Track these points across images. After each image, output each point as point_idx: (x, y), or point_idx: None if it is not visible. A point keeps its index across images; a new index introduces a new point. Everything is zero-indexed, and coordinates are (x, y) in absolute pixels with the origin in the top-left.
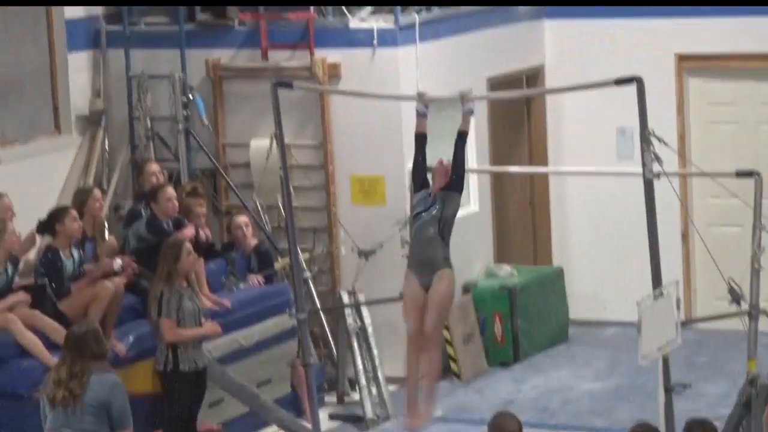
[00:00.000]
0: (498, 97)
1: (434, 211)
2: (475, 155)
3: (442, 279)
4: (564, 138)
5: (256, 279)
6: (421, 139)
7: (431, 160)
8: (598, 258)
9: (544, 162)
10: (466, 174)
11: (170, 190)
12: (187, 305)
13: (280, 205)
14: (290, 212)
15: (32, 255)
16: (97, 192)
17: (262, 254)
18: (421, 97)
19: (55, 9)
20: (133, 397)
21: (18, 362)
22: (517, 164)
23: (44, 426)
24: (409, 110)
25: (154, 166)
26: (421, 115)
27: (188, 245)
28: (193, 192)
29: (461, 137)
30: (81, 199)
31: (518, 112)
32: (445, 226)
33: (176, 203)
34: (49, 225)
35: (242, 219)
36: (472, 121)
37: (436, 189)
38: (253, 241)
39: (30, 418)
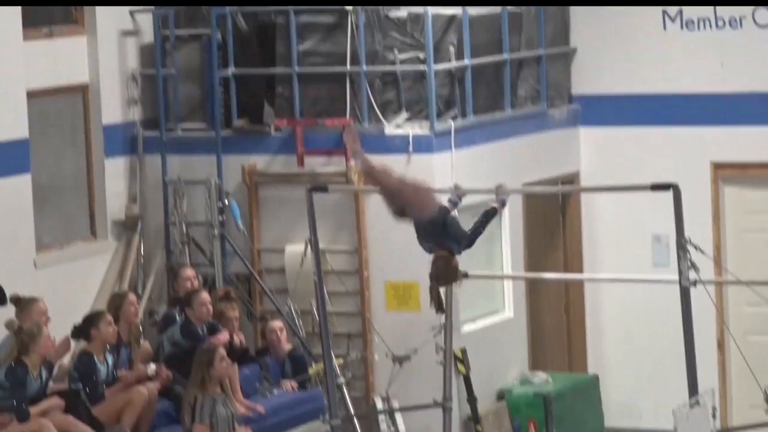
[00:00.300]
0: (533, 191)
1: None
2: (510, 261)
3: None
4: (599, 245)
5: (289, 384)
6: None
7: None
8: (633, 365)
9: (579, 269)
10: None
11: (205, 295)
12: (221, 411)
13: (315, 310)
14: (324, 317)
15: (67, 360)
16: (132, 297)
17: (297, 360)
18: (457, 188)
19: (93, 115)
20: None
21: None
22: (552, 271)
23: None
24: None
25: (189, 272)
26: (452, 203)
27: (222, 351)
28: (225, 297)
29: (488, 214)
30: (116, 304)
31: (553, 219)
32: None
33: (210, 308)
34: (83, 330)
35: (276, 324)
36: (506, 220)
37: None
38: (287, 347)
39: None
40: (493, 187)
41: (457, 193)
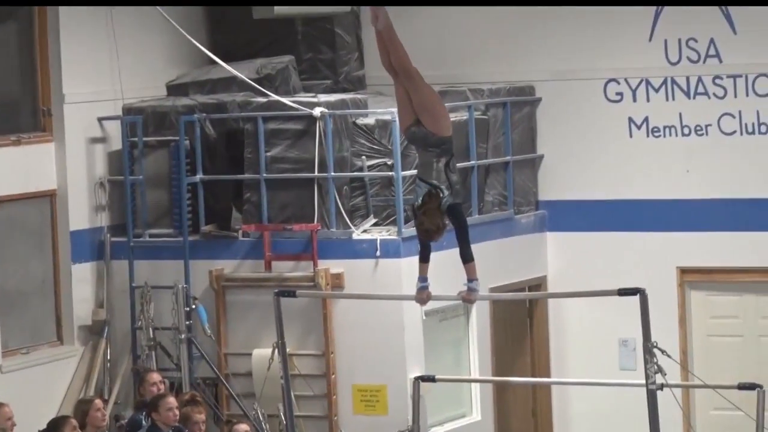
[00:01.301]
0: (500, 297)
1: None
2: (477, 365)
3: None
4: (566, 348)
5: None
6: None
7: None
8: None
9: (546, 373)
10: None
11: (171, 400)
12: None
13: (282, 414)
14: (291, 421)
15: None
16: (98, 402)
17: None
18: (420, 300)
19: (60, 221)
20: None
21: None
22: (520, 374)
23: None
24: (412, 318)
25: (156, 376)
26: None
27: None
28: (191, 400)
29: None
30: (82, 409)
31: (521, 324)
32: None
33: (177, 413)
34: None
35: (243, 427)
36: (474, 324)
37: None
38: None
39: None
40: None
41: (422, 302)
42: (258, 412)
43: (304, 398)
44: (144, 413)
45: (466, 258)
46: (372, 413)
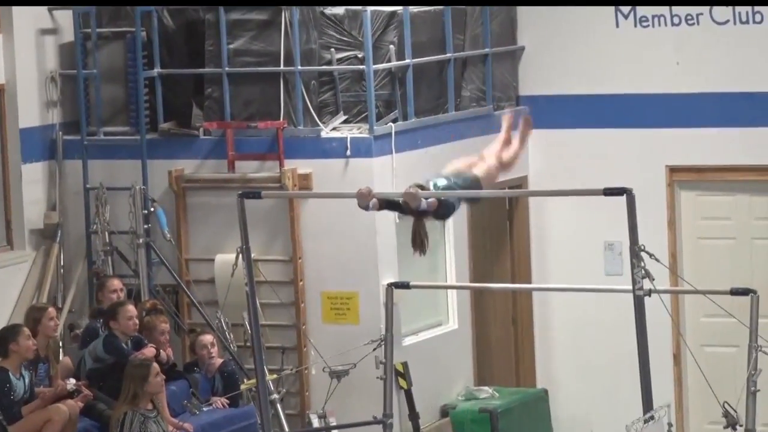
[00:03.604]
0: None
1: None
2: (454, 271)
3: None
4: (548, 253)
5: (220, 401)
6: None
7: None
8: (584, 379)
9: (527, 278)
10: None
11: (131, 308)
12: (152, 429)
13: (246, 323)
14: (257, 330)
15: None
16: (51, 310)
17: (228, 375)
18: (361, 196)
19: (9, 117)
20: None
21: None
22: (499, 281)
23: None
24: (384, 221)
25: (116, 283)
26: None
27: (156, 366)
28: (153, 309)
29: (439, 216)
30: (34, 317)
31: (500, 226)
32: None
33: (137, 321)
34: (2, 345)
35: (207, 338)
36: (450, 227)
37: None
38: (217, 361)
39: None
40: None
41: (362, 203)
42: (221, 321)
43: (270, 306)
44: (101, 321)
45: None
46: (343, 322)
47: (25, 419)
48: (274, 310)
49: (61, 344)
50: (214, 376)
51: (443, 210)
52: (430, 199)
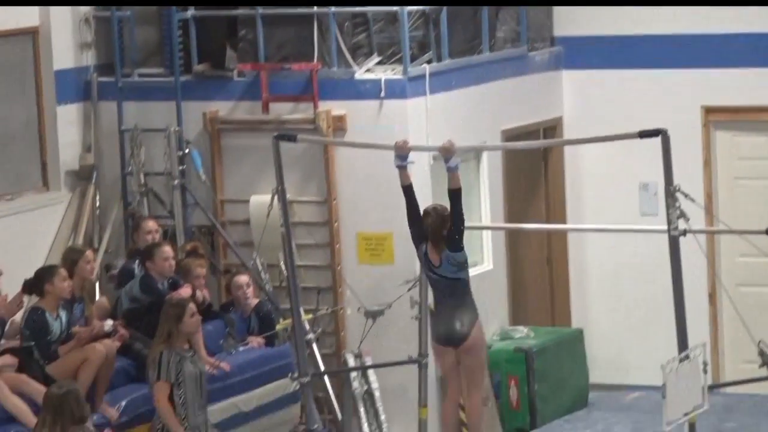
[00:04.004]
0: (512, 147)
1: (448, 274)
2: (489, 211)
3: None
4: (583, 194)
5: (256, 341)
6: (408, 191)
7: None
8: (620, 319)
9: (562, 219)
10: (466, 230)
11: (167, 249)
12: (189, 369)
13: (282, 264)
14: (292, 271)
15: (20, 316)
16: (89, 253)
17: (263, 315)
18: (399, 149)
19: (44, 60)
20: None
21: (4, 428)
22: (534, 221)
23: None
24: (419, 162)
25: (152, 224)
26: (401, 168)
27: (193, 306)
28: (193, 252)
29: (452, 195)
30: (71, 258)
31: (535, 167)
32: (464, 288)
33: (173, 263)
34: (35, 284)
35: (243, 279)
36: (485, 169)
37: (434, 246)
38: (253, 302)
39: None
40: (438, 148)
41: (400, 152)
42: (257, 262)
43: (305, 247)
44: (137, 262)
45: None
46: (377, 262)
47: (62, 359)
48: (309, 250)
49: (97, 285)
50: (250, 316)
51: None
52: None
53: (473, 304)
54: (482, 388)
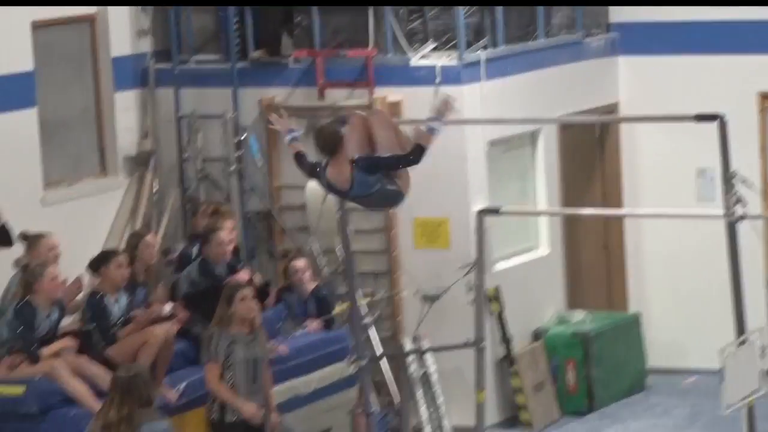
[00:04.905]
0: (569, 121)
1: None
2: (545, 195)
3: None
4: (640, 179)
5: (314, 325)
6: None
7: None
8: (677, 304)
9: (618, 204)
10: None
11: (223, 235)
12: (239, 353)
13: (338, 248)
14: (349, 254)
15: (80, 299)
16: (150, 239)
17: (321, 299)
18: (443, 106)
19: (101, 46)
20: None
21: (64, 411)
22: (590, 205)
23: None
24: (475, 147)
25: (210, 209)
26: (430, 129)
27: (246, 291)
28: (215, 212)
29: (416, 149)
30: (133, 243)
31: (591, 152)
32: None
33: (227, 249)
34: (95, 268)
35: (300, 263)
36: (540, 152)
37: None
38: (311, 286)
39: None
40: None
41: (441, 112)
42: (313, 247)
43: (361, 232)
44: (196, 246)
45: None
46: (434, 247)
47: (121, 342)
48: (365, 236)
49: (159, 271)
50: (308, 300)
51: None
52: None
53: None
54: None
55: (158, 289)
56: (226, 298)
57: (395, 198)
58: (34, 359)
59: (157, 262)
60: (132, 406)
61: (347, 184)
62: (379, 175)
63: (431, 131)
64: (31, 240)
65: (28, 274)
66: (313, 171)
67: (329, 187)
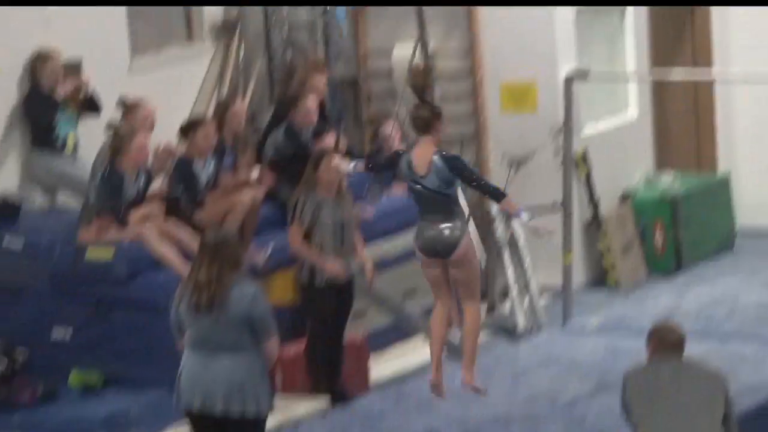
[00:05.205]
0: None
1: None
2: (634, 57)
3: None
4: (731, 38)
5: (400, 188)
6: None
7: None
8: (767, 164)
9: (708, 65)
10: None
11: (311, 99)
12: (326, 216)
13: None
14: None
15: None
16: (238, 105)
17: None
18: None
19: None
20: (274, 308)
21: (153, 275)
22: (680, 65)
23: (176, 333)
24: (563, 10)
25: (302, 74)
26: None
27: (332, 156)
28: (314, 66)
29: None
30: (221, 110)
31: (681, 12)
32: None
33: (314, 115)
34: (185, 133)
35: (388, 128)
36: (629, 14)
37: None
38: (400, 149)
39: (166, 331)
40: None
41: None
42: (400, 112)
43: (449, 98)
44: (282, 113)
45: (497, 197)
46: (521, 111)
47: (209, 206)
48: (452, 100)
49: (246, 137)
50: None
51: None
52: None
53: (463, 216)
54: (479, 297)
55: (245, 155)
56: (313, 162)
57: (442, 237)
58: (122, 222)
59: (245, 128)
60: (221, 267)
61: (425, 170)
62: (457, 181)
63: (517, 214)
64: (129, 107)
65: (117, 139)
66: (391, 160)
67: (407, 169)
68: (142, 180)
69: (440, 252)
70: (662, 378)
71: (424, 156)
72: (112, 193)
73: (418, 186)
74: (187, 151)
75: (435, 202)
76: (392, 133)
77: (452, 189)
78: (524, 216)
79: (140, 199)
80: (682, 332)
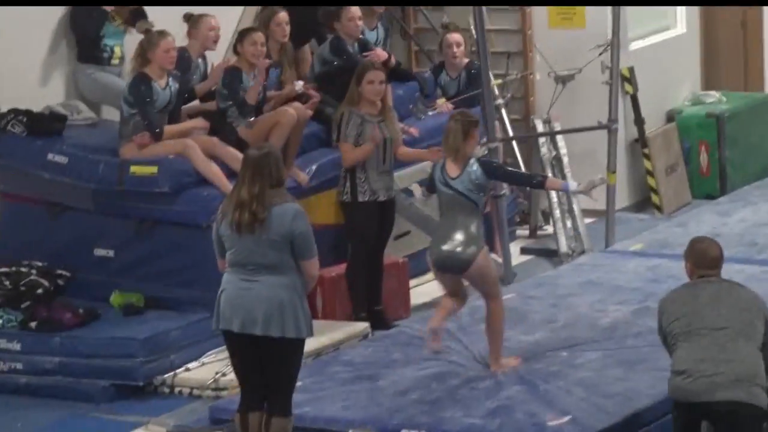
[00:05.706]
0: None
1: (463, 189)
2: None
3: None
4: None
5: (446, 105)
6: None
7: None
8: None
9: None
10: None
11: (354, 9)
12: (367, 131)
13: (472, 27)
14: (482, 35)
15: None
16: (282, 15)
17: (474, 73)
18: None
19: None
20: (316, 229)
21: (197, 191)
22: None
23: (217, 250)
24: None
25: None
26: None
27: (375, 73)
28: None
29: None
30: (266, 21)
31: None
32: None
33: (359, 24)
34: (234, 45)
35: (454, 37)
36: None
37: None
38: (464, 61)
39: (208, 247)
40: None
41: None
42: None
43: (495, 11)
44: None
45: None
46: (569, 26)
47: (254, 121)
48: (499, 14)
49: (293, 49)
50: (460, 74)
51: None
52: None
53: (480, 228)
54: (499, 296)
55: (291, 69)
56: (357, 76)
57: (454, 255)
58: (155, 132)
59: (289, 40)
60: (263, 185)
61: (457, 172)
62: (491, 184)
63: (564, 188)
64: (194, 19)
65: (144, 42)
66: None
67: (439, 172)
68: (173, 86)
69: (453, 269)
70: (700, 302)
71: (459, 160)
72: (142, 101)
73: (447, 188)
74: (237, 62)
75: (459, 209)
76: (460, 40)
77: (480, 197)
78: (572, 186)
79: (173, 108)
80: (718, 249)
